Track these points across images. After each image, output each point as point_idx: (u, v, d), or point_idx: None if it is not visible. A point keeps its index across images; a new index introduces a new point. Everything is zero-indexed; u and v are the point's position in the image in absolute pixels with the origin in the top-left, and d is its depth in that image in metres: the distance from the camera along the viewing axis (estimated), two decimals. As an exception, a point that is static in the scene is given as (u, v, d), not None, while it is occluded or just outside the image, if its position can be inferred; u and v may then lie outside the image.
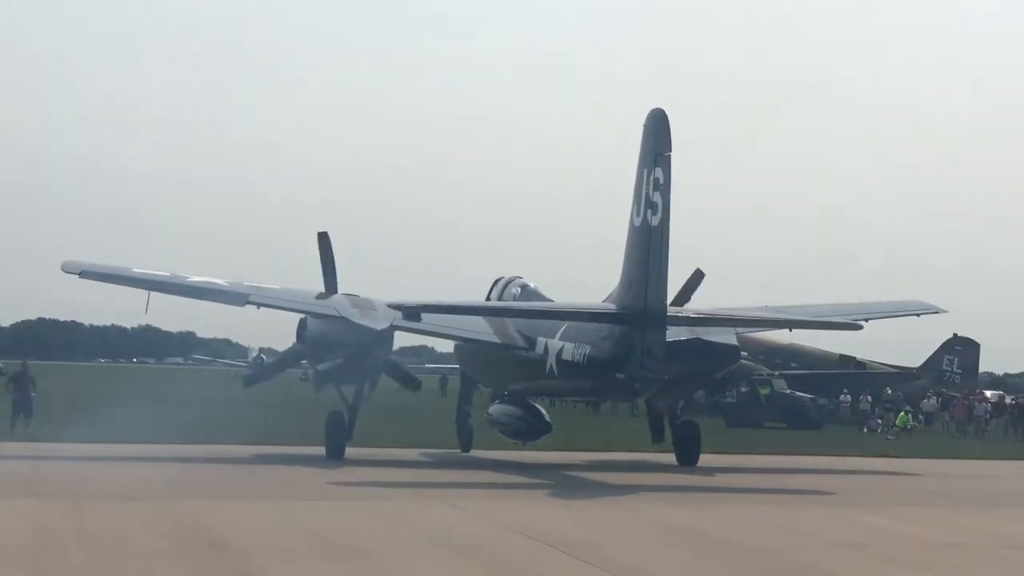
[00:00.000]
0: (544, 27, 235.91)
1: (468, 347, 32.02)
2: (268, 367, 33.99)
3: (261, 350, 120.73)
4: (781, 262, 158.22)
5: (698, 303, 30.58)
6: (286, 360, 34.38)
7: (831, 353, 63.23)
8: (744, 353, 39.34)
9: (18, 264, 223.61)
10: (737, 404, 54.41)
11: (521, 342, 29.36)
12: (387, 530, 17.39)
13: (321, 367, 30.05)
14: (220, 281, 29.71)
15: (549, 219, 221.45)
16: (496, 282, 32.09)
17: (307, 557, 14.85)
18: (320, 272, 29.97)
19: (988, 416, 55.13)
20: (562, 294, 31.45)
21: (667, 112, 25.32)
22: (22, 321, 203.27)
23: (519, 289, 31.35)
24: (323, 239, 30.07)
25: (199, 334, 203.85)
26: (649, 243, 25.02)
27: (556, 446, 32.10)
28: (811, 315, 31.95)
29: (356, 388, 30.23)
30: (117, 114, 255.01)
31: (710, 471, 28.64)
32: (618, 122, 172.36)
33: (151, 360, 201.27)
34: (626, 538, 17.34)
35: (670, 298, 26.42)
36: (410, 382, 33.19)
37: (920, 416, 56.85)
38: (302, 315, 29.84)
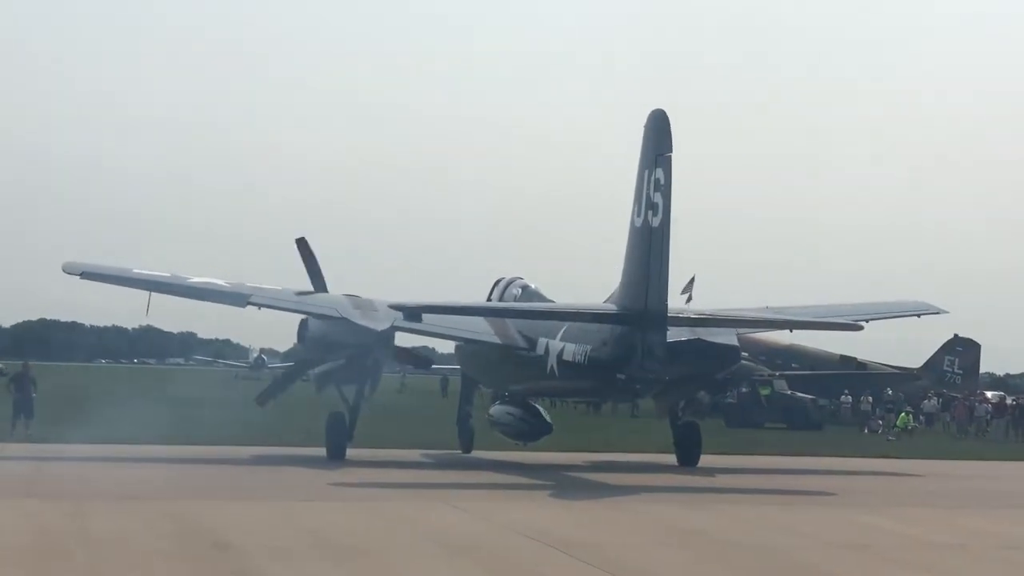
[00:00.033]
0: (544, 27, 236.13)
1: (469, 348, 32.01)
2: (279, 381, 33.06)
3: (262, 351, 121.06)
4: (781, 262, 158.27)
5: (698, 303, 30.60)
6: (297, 371, 33.26)
7: (832, 354, 63.21)
8: (745, 354, 39.43)
9: (19, 264, 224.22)
10: (738, 405, 54.44)
11: (522, 343, 29.34)
12: (388, 531, 17.39)
13: (322, 368, 30.10)
14: (221, 282, 29.67)
15: (549, 219, 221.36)
16: (497, 283, 32.07)
17: (308, 557, 14.86)
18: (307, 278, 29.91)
19: (989, 417, 55.03)
20: (562, 294, 31.46)
21: (667, 112, 25.35)
22: (23, 322, 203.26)
23: (520, 290, 31.33)
24: (302, 244, 30.04)
25: (200, 335, 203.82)
26: (650, 244, 25.04)
27: (556, 446, 32.11)
28: (811, 316, 31.95)
29: (357, 389, 30.26)
30: (117, 114, 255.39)
31: (711, 472, 28.63)
32: (618, 122, 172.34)
33: (152, 361, 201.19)
34: (627, 539, 17.33)
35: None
36: (420, 362, 32.96)
37: (921, 417, 56.80)
38: (303, 316, 29.87)
